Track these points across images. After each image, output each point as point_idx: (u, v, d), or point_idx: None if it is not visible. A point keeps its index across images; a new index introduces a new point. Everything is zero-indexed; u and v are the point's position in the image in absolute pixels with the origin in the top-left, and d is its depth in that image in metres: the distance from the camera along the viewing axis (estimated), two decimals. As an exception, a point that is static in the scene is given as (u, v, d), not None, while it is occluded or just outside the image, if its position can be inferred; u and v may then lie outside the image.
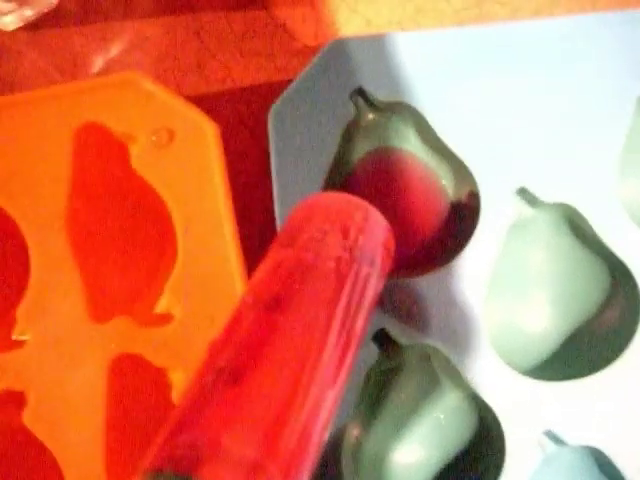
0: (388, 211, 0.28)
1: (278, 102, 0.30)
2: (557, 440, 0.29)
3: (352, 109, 0.30)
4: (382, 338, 0.29)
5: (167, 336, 0.29)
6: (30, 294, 0.29)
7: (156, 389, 0.29)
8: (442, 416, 0.31)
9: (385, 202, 0.31)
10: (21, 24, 0.32)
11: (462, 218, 0.31)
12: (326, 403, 0.22)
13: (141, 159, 0.29)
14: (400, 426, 0.31)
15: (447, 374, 0.30)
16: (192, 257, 0.29)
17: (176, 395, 0.29)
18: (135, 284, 0.31)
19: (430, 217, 0.32)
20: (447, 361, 0.30)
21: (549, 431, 0.29)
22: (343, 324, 0.24)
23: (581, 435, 0.29)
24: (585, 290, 0.31)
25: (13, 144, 0.29)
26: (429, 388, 0.31)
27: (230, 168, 0.29)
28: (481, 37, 0.30)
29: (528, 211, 0.30)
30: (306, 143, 0.30)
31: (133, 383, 0.29)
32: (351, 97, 0.30)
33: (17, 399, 0.29)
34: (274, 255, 0.26)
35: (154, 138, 0.29)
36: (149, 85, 0.29)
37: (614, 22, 0.30)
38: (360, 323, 0.25)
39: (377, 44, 0.30)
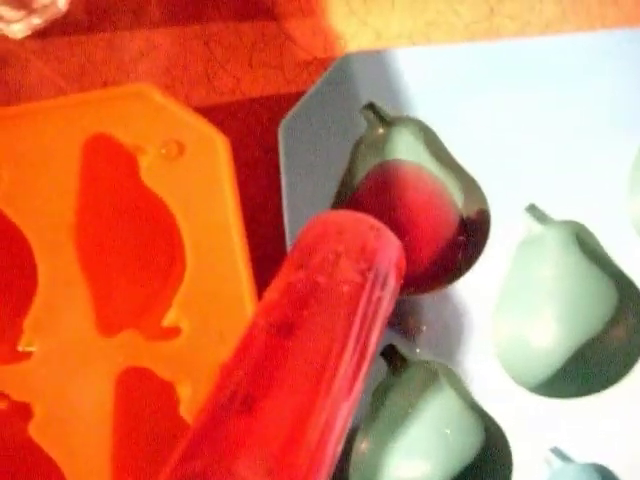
0: (397, 225, 0.28)
1: (288, 117, 0.30)
2: (564, 457, 0.29)
3: (362, 124, 0.30)
4: (391, 354, 0.29)
5: (175, 350, 0.29)
6: (37, 305, 0.29)
7: (163, 403, 0.29)
8: (448, 431, 0.31)
9: (394, 216, 0.31)
10: (29, 32, 0.32)
11: (472, 234, 0.31)
12: (338, 424, 0.22)
13: (150, 171, 0.29)
14: (406, 441, 0.31)
15: (454, 390, 0.30)
16: (201, 271, 0.29)
17: (183, 409, 0.28)
18: (143, 297, 0.31)
19: (440, 232, 0.32)
20: (455, 377, 0.30)
21: (556, 448, 0.29)
22: (355, 348, 0.23)
23: (588, 452, 0.29)
24: (592, 307, 0.31)
25: (21, 155, 0.29)
26: (436, 403, 0.31)
27: (238, 180, 0.29)
28: (491, 53, 0.30)
29: (537, 228, 0.30)
30: (316, 158, 0.30)
31: (140, 397, 0.29)
32: (361, 112, 0.30)
33: (23, 411, 0.29)
34: (286, 276, 0.25)
35: (164, 151, 0.29)
36: (159, 97, 0.29)
37: (623, 39, 0.30)
38: (372, 345, 0.25)
39: (388, 59, 0.30)
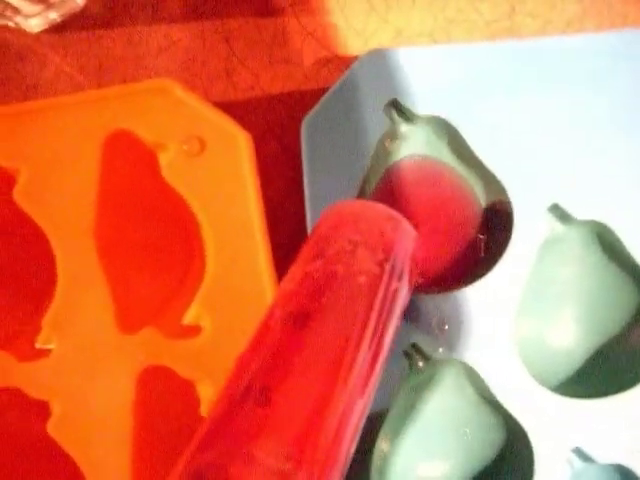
0: (417, 220, 0.28)
1: (311, 114, 0.30)
2: (585, 457, 0.29)
3: (385, 121, 0.30)
4: (413, 353, 0.29)
5: (196, 348, 0.28)
6: (57, 303, 0.28)
7: (183, 402, 0.29)
8: (468, 430, 0.31)
9: (414, 210, 0.31)
10: (46, 26, 0.32)
11: (494, 232, 0.31)
12: (355, 414, 0.22)
13: (172, 168, 0.29)
14: (426, 440, 0.31)
15: (476, 390, 0.30)
16: (222, 268, 0.29)
17: (204, 408, 0.28)
18: (163, 295, 0.31)
19: (461, 228, 0.32)
20: (477, 377, 0.29)
21: (577, 448, 0.29)
22: (372, 339, 0.23)
23: (610, 453, 0.29)
24: (613, 307, 0.31)
25: (40, 151, 0.29)
26: (457, 403, 0.31)
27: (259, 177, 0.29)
28: (514, 52, 0.30)
29: (560, 228, 0.30)
30: (338, 155, 0.30)
31: (160, 395, 0.29)
32: (384, 109, 0.30)
33: (41, 409, 0.29)
34: (303, 265, 0.25)
35: (185, 147, 0.28)
36: (180, 92, 0.29)
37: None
38: (388, 336, 0.24)
39: (411, 57, 0.30)
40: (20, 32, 0.32)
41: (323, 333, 0.23)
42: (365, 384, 0.23)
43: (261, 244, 0.29)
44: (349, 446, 0.22)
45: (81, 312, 0.29)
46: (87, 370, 0.28)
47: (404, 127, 0.31)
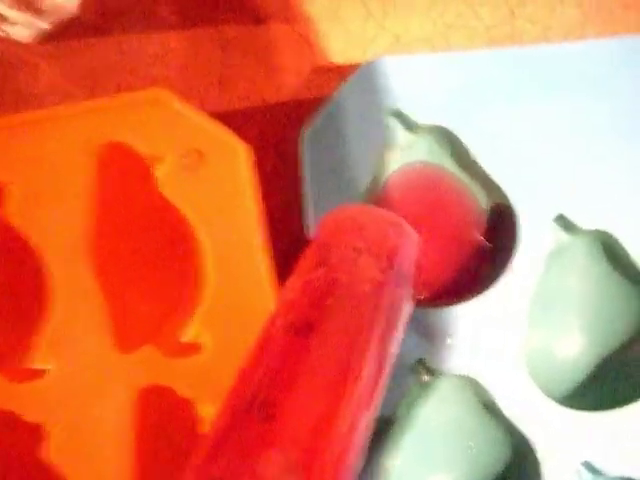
0: (422, 228, 0.27)
1: (311, 124, 0.29)
2: (595, 471, 0.28)
3: (387, 131, 0.30)
4: (419, 368, 0.29)
5: (196, 367, 0.28)
6: (53, 322, 0.27)
7: (184, 422, 0.28)
8: (472, 444, 0.30)
9: (419, 218, 0.30)
10: (37, 35, 0.31)
11: (498, 242, 0.30)
12: (361, 428, 0.21)
13: (169, 182, 0.28)
14: (430, 455, 0.30)
15: (481, 403, 0.30)
16: (222, 283, 0.28)
17: (205, 428, 0.27)
18: (161, 311, 0.30)
19: (468, 236, 0.31)
20: (482, 390, 0.29)
21: (587, 462, 0.28)
22: (378, 349, 0.22)
23: (620, 466, 0.29)
24: (619, 318, 0.31)
25: (31, 165, 0.28)
26: (461, 417, 0.30)
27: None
28: (518, 59, 0.30)
29: (565, 238, 0.30)
30: (339, 166, 0.29)
31: (160, 415, 0.28)
32: (386, 119, 0.29)
33: (36, 433, 0.28)
34: (304, 273, 0.24)
35: (183, 160, 0.28)
36: (177, 103, 0.28)
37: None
38: (394, 346, 0.24)
39: (412, 65, 0.29)
40: (10, 41, 0.31)
41: (327, 343, 0.22)
42: (371, 396, 0.22)
43: (262, 258, 0.28)
44: (355, 461, 0.21)
45: (77, 331, 0.28)
46: (84, 391, 0.28)
47: (406, 137, 0.30)
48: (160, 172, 0.28)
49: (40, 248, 0.28)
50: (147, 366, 0.28)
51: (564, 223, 0.29)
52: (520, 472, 0.30)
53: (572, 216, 0.29)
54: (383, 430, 0.29)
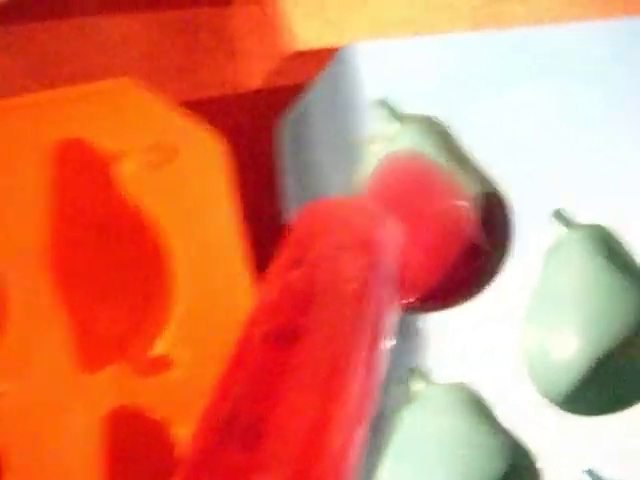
0: (408, 226, 0.25)
1: (288, 115, 0.27)
2: (598, 479, 0.27)
3: (370, 122, 0.27)
4: (411, 376, 0.27)
5: (169, 384, 0.25)
6: (7, 341, 0.25)
7: (158, 446, 0.26)
8: (467, 453, 0.29)
9: (404, 214, 0.28)
10: (-21, 18, 0.28)
11: (494, 239, 0.28)
12: (355, 443, 0.19)
13: (135, 181, 0.25)
14: (424, 466, 0.29)
15: (478, 412, 0.28)
16: (196, 292, 0.26)
17: (181, 451, 0.25)
18: (128, 324, 0.27)
19: (458, 235, 0.29)
20: (479, 398, 0.27)
21: (590, 470, 0.27)
22: (367, 355, 0.20)
23: (623, 473, 0.27)
24: (618, 316, 0.29)
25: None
26: (457, 426, 0.28)
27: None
28: (510, 42, 0.28)
29: (563, 233, 0.28)
30: (318, 159, 0.27)
31: (131, 439, 0.26)
32: (371, 108, 0.27)
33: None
34: (281, 274, 0.22)
35: (150, 156, 0.25)
36: (142, 93, 0.25)
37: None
38: (383, 351, 0.22)
39: (397, 49, 0.27)
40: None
41: (313, 352, 0.19)
42: (363, 408, 0.20)
43: (240, 264, 0.26)
44: (351, 478, 0.19)
45: (36, 350, 0.25)
46: (45, 415, 0.25)
47: (390, 127, 0.28)
48: (125, 171, 0.26)
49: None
50: (115, 386, 0.25)
51: (562, 217, 0.28)
52: (519, 481, 0.29)
53: (570, 210, 0.28)
54: (375, 442, 0.27)
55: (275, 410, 0.18)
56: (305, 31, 0.30)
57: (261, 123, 0.30)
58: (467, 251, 0.29)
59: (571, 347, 0.30)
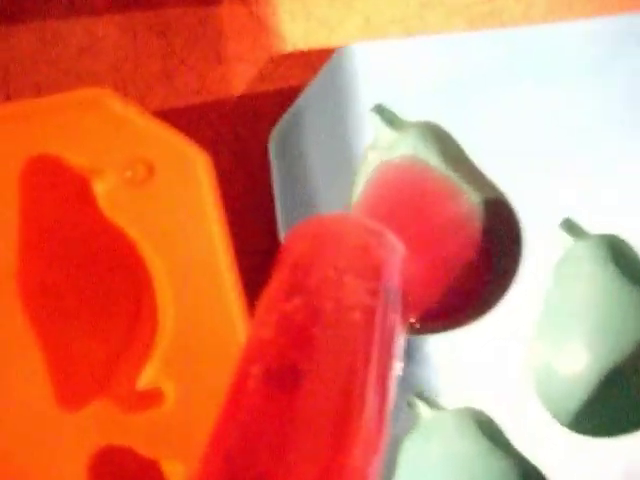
0: (407, 240, 0.23)
1: (280, 123, 0.25)
2: (612, 503, 0.26)
3: (367, 129, 0.26)
4: (417, 402, 0.25)
5: (158, 419, 0.23)
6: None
7: (147, 486, 0.24)
8: (477, 476, 0.27)
9: (402, 227, 0.26)
10: None
11: (502, 253, 0.27)
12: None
13: (111, 199, 0.23)
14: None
15: (488, 437, 0.26)
16: (183, 318, 0.23)
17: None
18: (111, 355, 0.25)
19: (461, 248, 0.27)
20: (489, 423, 0.25)
21: (605, 494, 0.26)
22: (377, 390, 0.18)
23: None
24: (628, 332, 0.28)
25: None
26: (467, 453, 0.27)
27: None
28: (512, 41, 0.26)
29: (572, 244, 0.26)
30: (313, 171, 0.25)
31: (119, 481, 0.24)
32: (368, 116, 0.25)
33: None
34: (278, 304, 0.20)
35: (128, 173, 0.23)
36: (118, 105, 0.23)
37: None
38: (392, 379, 0.19)
39: (393, 51, 0.25)
40: None
41: (318, 393, 0.17)
42: (378, 444, 0.18)
43: (229, 286, 0.24)
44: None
45: (11, 389, 0.23)
46: (27, 459, 0.23)
47: (389, 134, 0.26)
48: (100, 188, 0.23)
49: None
50: (99, 424, 0.23)
51: (571, 228, 0.26)
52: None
53: (580, 219, 0.26)
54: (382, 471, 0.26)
55: (280, 461, 0.16)
56: (292, 32, 0.28)
57: (247, 133, 0.28)
58: (473, 265, 0.27)
59: (579, 364, 0.28)
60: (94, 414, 0.23)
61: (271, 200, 0.25)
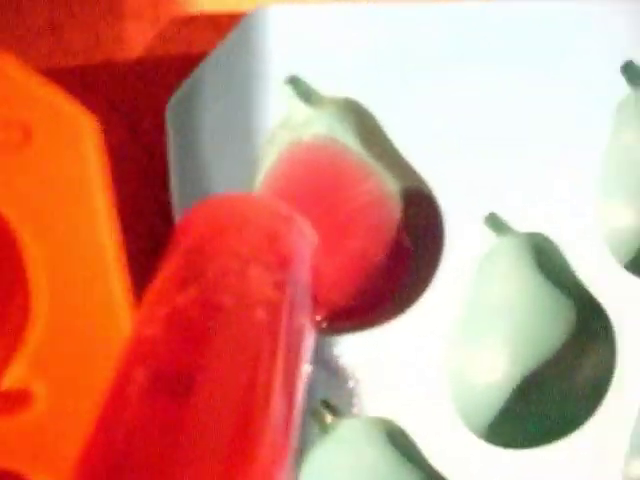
0: (317, 229, 0.21)
1: (181, 90, 0.22)
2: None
3: (278, 103, 0.23)
4: (321, 409, 0.23)
5: (25, 426, 0.20)
6: None
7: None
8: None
9: (313, 216, 0.24)
10: None
11: (421, 248, 0.25)
12: None
13: (-23, 168, 0.20)
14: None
15: (399, 448, 0.25)
16: (59, 308, 0.20)
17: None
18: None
19: (377, 241, 0.25)
20: (400, 434, 0.24)
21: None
22: (283, 396, 0.16)
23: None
24: (547, 334, 0.26)
25: None
26: (374, 465, 0.25)
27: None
28: (452, 14, 0.24)
29: (494, 240, 0.25)
30: (216, 147, 0.23)
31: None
32: (278, 88, 0.23)
33: None
34: (168, 297, 0.17)
35: (1, 136, 0.20)
36: (-8, 58, 0.20)
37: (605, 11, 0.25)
38: (299, 385, 0.17)
39: (313, 18, 0.23)
40: None
41: (216, 402, 0.15)
42: (281, 464, 0.16)
43: (115, 272, 0.21)
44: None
45: None
46: None
47: (303, 110, 0.24)
48: (-33, 154, 0.21)
49: None
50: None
51: (494, 223, 0.24)
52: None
53: (505, 215, 0.24)
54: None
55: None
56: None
57: (143, 101, 0.25)
58: (388, 259, 0.25)
59: (494, 370, 0.26)
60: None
61: (167, 176, 0.23)
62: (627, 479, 0.25)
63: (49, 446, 0.20)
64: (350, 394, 0.23)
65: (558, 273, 0.26)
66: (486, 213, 0.24)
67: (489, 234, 0.24)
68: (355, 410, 0.24)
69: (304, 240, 0.20)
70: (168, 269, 0.18)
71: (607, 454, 0.25)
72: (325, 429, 0.24)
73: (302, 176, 0.25)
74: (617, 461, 0.24)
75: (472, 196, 0.24)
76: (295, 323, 0.18)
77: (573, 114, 0.25)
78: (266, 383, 0.16)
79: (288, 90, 0.24)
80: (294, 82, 0.24)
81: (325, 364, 0.23)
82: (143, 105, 0.24)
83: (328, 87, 0.24)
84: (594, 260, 0.25)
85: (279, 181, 0.25)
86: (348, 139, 0.25)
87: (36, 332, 0.20)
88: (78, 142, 0.21)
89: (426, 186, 0.24)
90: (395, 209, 0.25)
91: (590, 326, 0.26)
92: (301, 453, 0.23)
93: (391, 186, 0.25)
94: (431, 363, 0.24)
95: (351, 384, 0.24)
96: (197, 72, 0.23)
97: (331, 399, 0.23)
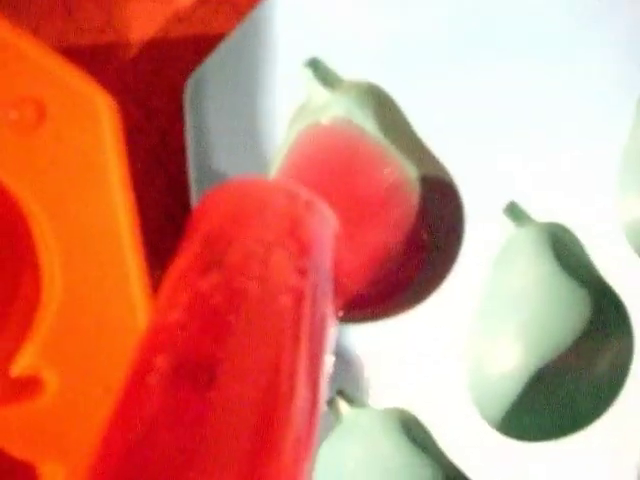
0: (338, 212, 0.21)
1: (199, 70, 0.22)
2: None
3: (298, 86, 0.23)
4: (338, 400, 0.23)
5: (36, 414, 0.20)
6: None
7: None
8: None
9: (330, 203, 0.24)
10: None
11: (439, 237, 0.25)
12: None
13: (-9, 146, 0.20)
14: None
15: (415, 440, 0.24)
16: (73, 293, 0.20)
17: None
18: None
19: (394, 229, 0.25)
20: (417, 425, 0.23)
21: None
22: (308, 386, 0.15)
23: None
24: (564, 325, 0.26)
25: None
26: (389, 456, 0.25)
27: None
28: (485, 6, 0.24)
29: (513, 230, 0.24)
30: (235, 130, 0.22)
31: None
32: (298, 71, 0.23)
33: None
34: (190, 281, 0.17)
35: (14, 114, 0.19)
36: (6, 32, 0.19)
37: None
38: (323, 376, 0.16)
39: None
40: None
41: (239, 392, 0.14)
42: (306, 453, 0.15)
43: (131, 260, 0.20)
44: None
45: None
46: None
47: (322, 94, 0.24)
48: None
49: None
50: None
51: (514, 212, 0.24)
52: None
53: (526, 205, 0.24)
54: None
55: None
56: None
57: (159, 82, 0.24)
58: (406, 248, 0.25)
59: (510, 360, 0.26)
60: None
61: (184, 159, 0.22)
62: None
63: (59, 434, 0.20)
64: (365, 384, 0.23)
65: (576, 264, 0.25)
66: (506, 202, 0.24)
67: (508, 224, 0.24)
68: (370, 400, 0.23)
69: (326, 225, 0.19)
70: (188, 253, 0.17)
71: (623, 448, 0.25)
72: (340, 419, 0.23)
73: (320, 159, 0.25)
74: (633, 454, 0.24)
75: (492, 185, 0.24)
76: (318, 311, 0.17)
77: (594, 106, 0.25)
78: (291, 374, 0.15)
79: (308, 73, 0.23)
80: (314, 65, 0.23)
81: (341, 354, 0.23)
82: (156, 86, 0.24)
83: (348, 70, 0.23)
84: (612, 251, 0.25)
85: (296, 164, 0.25)
86: (367, 123, 0.24)
87: (48, 317, 0.20)
88: (94, 121, 0.20)
89: (447, 174, 0.24)
90: (413, 196, 0.25)
91: (608, 317, 0.26)
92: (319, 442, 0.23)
93: (410, 172, 0.25)
94: (448, 354, 0.24)
95: (367, 374, 0.23)
96: (216, 53, 0.22)
97: (346, 389, 0.23)
